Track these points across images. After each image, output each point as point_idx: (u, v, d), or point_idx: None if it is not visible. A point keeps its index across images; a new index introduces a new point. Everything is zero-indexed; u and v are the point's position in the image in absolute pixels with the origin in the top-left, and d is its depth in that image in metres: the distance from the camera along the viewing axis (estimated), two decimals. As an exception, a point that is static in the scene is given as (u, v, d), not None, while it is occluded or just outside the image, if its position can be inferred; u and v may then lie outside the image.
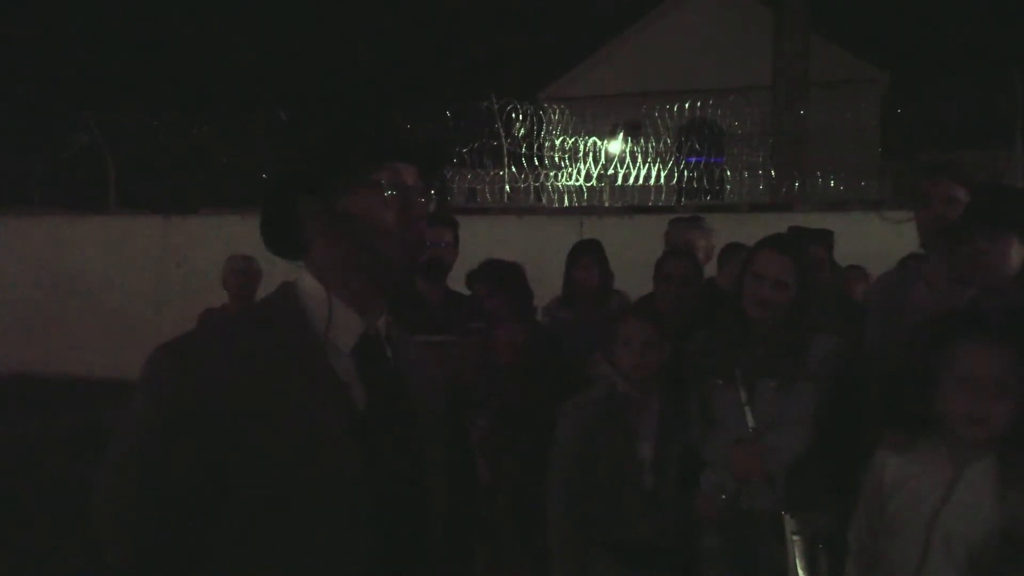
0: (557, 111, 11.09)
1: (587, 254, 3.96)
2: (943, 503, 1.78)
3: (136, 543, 1.16)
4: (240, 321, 1.33)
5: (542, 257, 5.32)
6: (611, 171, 10.55)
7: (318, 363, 1.22)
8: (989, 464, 1.77)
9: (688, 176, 10.20)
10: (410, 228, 1.26)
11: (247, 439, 1.13)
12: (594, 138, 10.87)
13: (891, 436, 1.94)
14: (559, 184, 10.59)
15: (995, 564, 1.72)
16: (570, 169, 10.65)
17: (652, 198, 10.13)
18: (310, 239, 1.28)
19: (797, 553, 2.19)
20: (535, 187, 10.63)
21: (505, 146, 10.26)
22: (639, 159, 10.38)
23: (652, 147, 10.39)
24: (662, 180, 10.21)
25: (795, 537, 2.21)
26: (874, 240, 7.26)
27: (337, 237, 1.25)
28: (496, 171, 10.49)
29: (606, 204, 10.14)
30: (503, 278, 3.60)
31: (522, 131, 10.29)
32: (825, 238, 3.82)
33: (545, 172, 10.56)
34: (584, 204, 10.24)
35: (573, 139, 10.76)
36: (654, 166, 10.25)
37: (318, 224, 1.26)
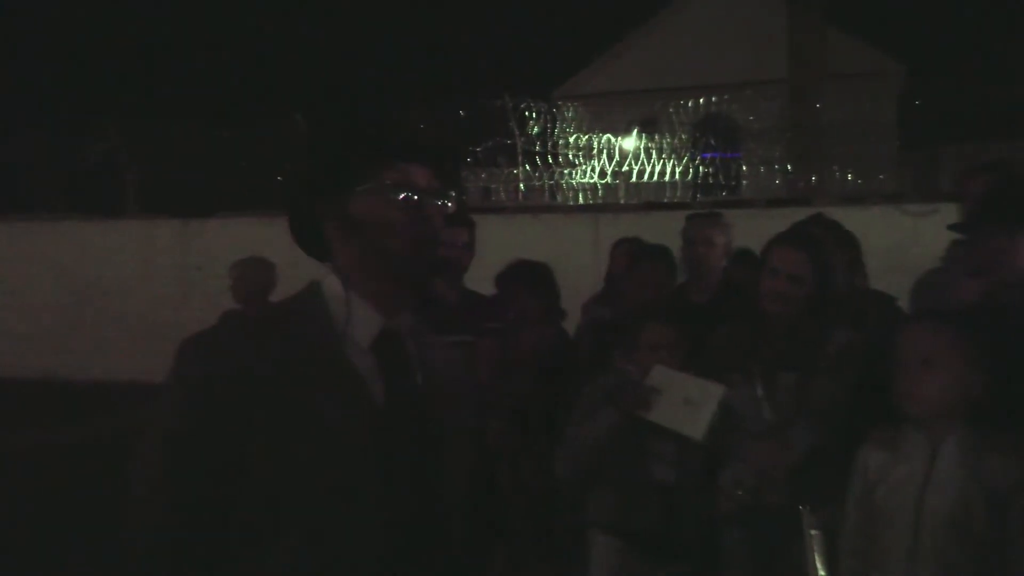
0: (571, 108, 11.08)
1: (662, 261, 3.55)
2: (925, 483, 1.86)
3: (162, 526, 1.19)
4: (261, 316, 1.40)
5: (558, 255, 5.31)
6: (626, 168, 10.53)
7: (336, 357, 1.26)
8: (960, 438, 1.86)
9: (704, 172, 10.16)
10: (419, 227, 1.29)
11: (265, 428, 1.18)
12: (608, 135, 10.85)
13: (875, 432, 2.02)
14: (574, 182, 10.58)
15: (981, 533, 1.80)
16: (585, 167, 10.63)
17: (668, 194, 10.10)
18: (330, 240, 1.34)
19: (816, 547, 2.19)
20: (550, 185, 10.63)
21: (519, 144, 10.26)
22: (654, 155, 10.35)
23: (667, 143, 10.36)
24: (677, 176, 10.18)
25: (813, 532, 2.20)
26: (894, 234, 7.22)
27: (350, 239, 1.31)
28: (510, 170, 10.50)
29: (621, 201, 10.11)
30: (538, 278, 3.53)
31: (536, 129, 10.29)
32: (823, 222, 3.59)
33: (560, 170, 10.55)
34: (599, 202, 10.22)
35: (587, 136, 10.75)
36: (669, 162, 10.22)
37: (334, 226, 1.32)
